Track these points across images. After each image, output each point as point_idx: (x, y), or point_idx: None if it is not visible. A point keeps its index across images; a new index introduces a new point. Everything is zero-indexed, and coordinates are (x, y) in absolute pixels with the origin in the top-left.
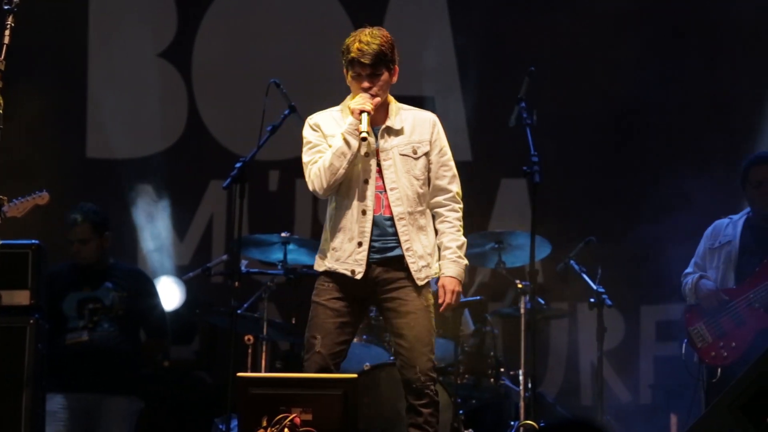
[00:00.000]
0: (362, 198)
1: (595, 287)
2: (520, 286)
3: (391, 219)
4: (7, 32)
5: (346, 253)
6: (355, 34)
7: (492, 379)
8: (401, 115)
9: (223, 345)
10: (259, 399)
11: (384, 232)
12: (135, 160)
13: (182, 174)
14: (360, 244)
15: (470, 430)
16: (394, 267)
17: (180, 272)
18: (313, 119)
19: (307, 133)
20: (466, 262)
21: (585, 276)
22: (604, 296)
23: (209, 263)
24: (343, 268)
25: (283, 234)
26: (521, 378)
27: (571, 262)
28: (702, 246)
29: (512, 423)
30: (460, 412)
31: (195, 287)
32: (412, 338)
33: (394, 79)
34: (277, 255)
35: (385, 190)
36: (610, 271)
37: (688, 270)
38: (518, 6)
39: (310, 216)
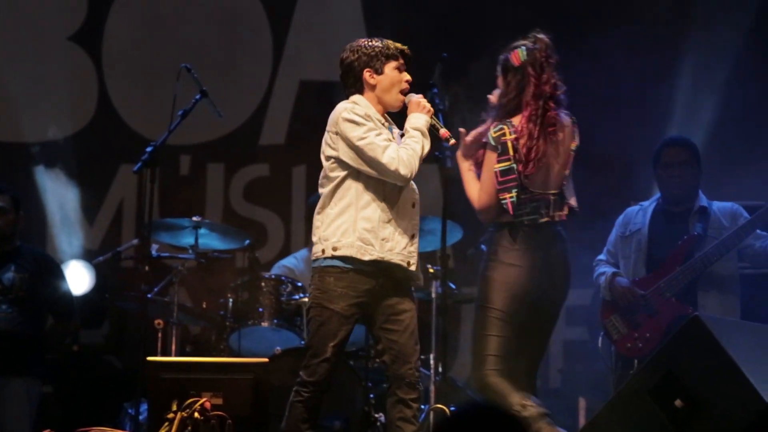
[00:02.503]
0: (411, 192)
1: None
2: (431, 270)
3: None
4: None
5: (400, 245)
6: (380, 39)
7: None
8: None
9: (133, 329)
10: (170, 383)
11: None
12: (44, 143)
13: (92, 158)
14: (413, 236)
15: (381, 414)
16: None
17: (90, 256)
18: (362, 108)
19: (361, 120)
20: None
21: None
22: None
23: (119, 247)
24: (398, 259)
25: (194, 218)
26: (432, 362)
27: (482, 246)
28: (614, 233)
29: (423, 407)
30: (371, 396)
31: (105, 271)
32: (407, 335)
33: None
34: (188, 239)
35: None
36: None
37: (601, 257)
38: None
39: (222, 201)
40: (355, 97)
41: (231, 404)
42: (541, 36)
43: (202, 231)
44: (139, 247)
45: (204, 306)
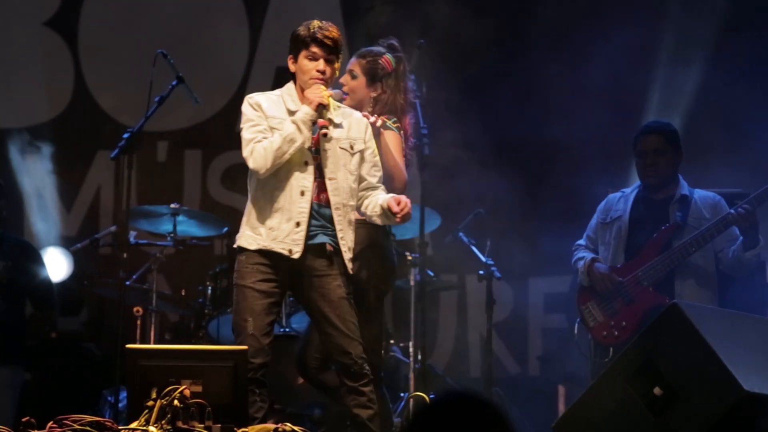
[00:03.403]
0: (302, 180)
1: (484, 259)
2: (409, 258)
3: (328, 207)
4: None
5: (283, 232)
6: (309, 22)
7: (382, 351)
8: (339, 111)
9: (112, 316)
10: (149, 371)
11: (316, 218)
12: (20, 129)
13: (69, 144)
14: (298, 224)
15: None
16: (323, 255)
17: (67, 243)
18: (253, 98)
19: (247, 110)
20: None
21: (474, 248)
22: (493, 268)
23: (97, 234)
24: (279, 247)
25: (172, 205)
26: (411, 350)
27: (460, 234)
28: (595, 219)
29: (402, 395)
30: None
31: (83, 258)
32: (340, 327)
33: (337, 73)
34: (166, 226)
35: (324, 178)
36: (499, 244)
37: (581, 242)
38: None
39: (199, 187)
40: (287, 85)
41: (210, 392)
42: (396, 44)
43: (180, 218)
44: (117, 234)
45: (183, 293)
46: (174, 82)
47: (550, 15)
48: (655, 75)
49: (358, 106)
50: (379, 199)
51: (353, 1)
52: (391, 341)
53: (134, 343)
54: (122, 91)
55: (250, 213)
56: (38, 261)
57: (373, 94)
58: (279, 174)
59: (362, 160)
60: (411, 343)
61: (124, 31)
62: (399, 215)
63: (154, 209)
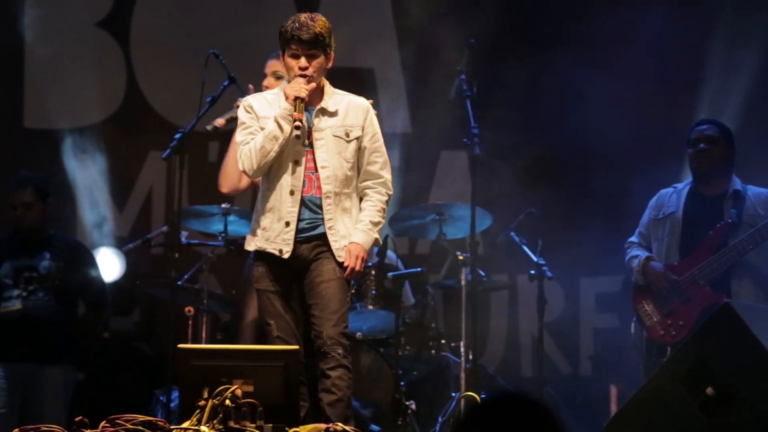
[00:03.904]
0: (291, 179)
1: (535, 259)
2: (460, 257)
3: (320, 198)
4: None
5: (274, 232)
6: (294, 17)
7: (433, 351)
8: (335, 98)
9: (164, 316)
10: (201, 370)
11: (313, 212)
12: (73, 130)
13: (121, 145)
14: (287, 224)
15: (411, 401)
16: (317, 244)
17: (120, 243)
18: (247, 100)
19: (240, 113)
20: (377, 236)
21: (525, 248)
22: (545, 268)
23: (149, 234)
24: (271, 248)
25: (223, 205)
26: (462, 350)
27: (512, 233)
28: (646, 216)
29: (453, 395)
30: (402, 383)
31: (135, 258)
32: (321, 306)
33: (329, 65)
34: (217, 226)
35: (317, 170)
36: (551, 243)
37: (633, 239)
38: None
39: (250, 188)
40: (283, 82)
41: (262, 391)
42: None
43: (231, 218)
44: (168, 234)
45: (234, 293)
46: (226, 83)
47: (593, 18)
48: (704, 75)
49: None
50: (359, 224)
51: (404, 3)
52: (442, 341)
53: (186, 342)
54: (174, 91)
55: (253, 215)
56: (90, 260)
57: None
58: (270, 174)
59: (360, 146)
60: (462, 343)
61: (176, 31)
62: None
63: (205, 209)
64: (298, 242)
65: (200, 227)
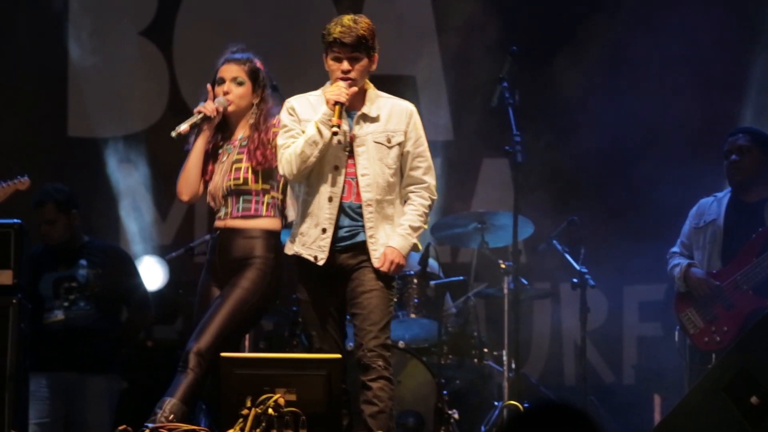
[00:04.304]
0: (331, 184)
1: (578, 267)
2: (503, 266)
3: (360, 206)
4: None
5: (311, 238)
6: (336, 19)
7: (475, 360)
8: (378, 102)
9: None
10: (244, 379)
11: (353, 219)
12: (117, 138)
13: (164, 153)
14: (324, 230)
15: (454, 410)
16: (358, 252)
17: (163, 252)
18: (289, 102)
19: (283, 116)
20: (416, 242)
21: (568, 256)
22: (587, 276)
23: (192, 243)
24: (307, 254)
25: None
26: (505, 358)
27: (554, 242)
28: (687, 225)
29: (496, 403)
30: (444, 392)
31: (178, 267)
32: (362, 317)
33: (373, 67)
34: None
35: (357, 177)
36: (593, 251)
37: (675, 249)
38: None
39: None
40: (327, 83)
41: (305, 400)
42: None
43: None
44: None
45: (277, 302)
46: (269, 91)
47: (631, 23)
48: (747, 80)
49: (240, 114)
50: (399, 228)
51: (446, 13)
52: (485, 349)
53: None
54: None
55: (294, 221)
56: (128, 264)
57: (255, 101)
58: (310, 179)
59: (402, 152)
60: (504, 352)
61: (218, 39)
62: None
63: None
64: (337, 251)
65: None
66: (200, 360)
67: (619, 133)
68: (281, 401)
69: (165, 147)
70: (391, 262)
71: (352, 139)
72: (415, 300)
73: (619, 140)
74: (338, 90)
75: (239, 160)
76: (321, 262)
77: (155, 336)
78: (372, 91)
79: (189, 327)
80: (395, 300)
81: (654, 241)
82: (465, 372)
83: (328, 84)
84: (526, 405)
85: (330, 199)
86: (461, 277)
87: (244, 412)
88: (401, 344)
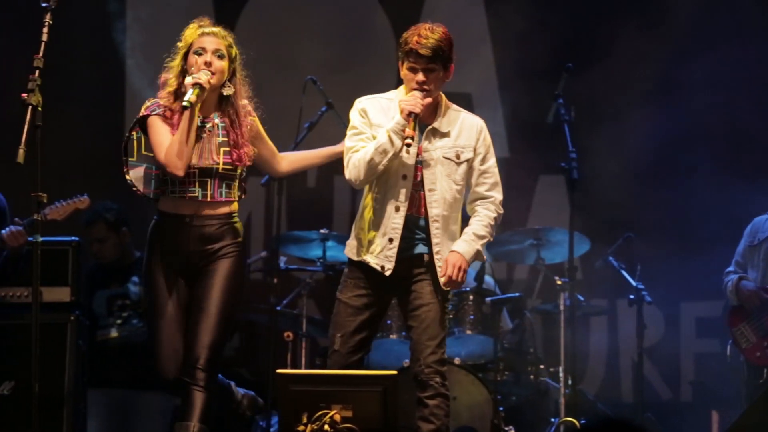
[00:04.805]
0: (398, 194)
1: (634, 284)
2: (559, 282)
3: (426, 219)
4: (44, 30)
5: (378, 247)
6: (415, 28)
7: (532, 376)
8: (450, 116)
9: (263, 342)
10: (300, 396)
11: (411, 231)
12: None
13: None
14: (391, 240)
15: (511, 427)
16: (417, 264)
17: None
18: (361, 103)
19: (354, 116)
20: (480, 249)
21: (624, 272)
22: (644, 293)
23: (248, 260)
24: (374, 263)
25: (321, 231)
26: (561, 375)
27: (610, 258)
28: (742, 244)
29: (553, 420)
30: (500, 408)
31: None
32: (420, 331)
33: (449, 77)
34: (315, 252)
35: (423, 190)
36: (650, 268)
37: (730, 269)
38: (556, 2)
39: (349, 212)
40: (400, 88)
41: (360, 416)
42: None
43: (329, 243)
44: (267, 260)
45: None
46: (323, 108)
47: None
48: None
49: (215, 89)
50: (463, 235)
51: (502, 31)
52: (541, 366)
53: (285, 368)
54: (271, 117)
55: (356, 223)
56: None
57: (228, 77)
58: (377, 186)
59: (471, 168)
60: (561, 368)
61: (274, 57)
62: (444, 281)
63: (303, 235)
64: (400, 261)
65: (299, 253)
66: (210, 375)
67: (675, 149)
68: (337, 418)
69: None
70: (455, 266)
71: (421, 151)
72: (471, 316)
73: (674, 157)
74: (414, 100)
75: (225, 143)
76: (388, 272)
77: None
78: (444, 103)
79: (246, 344)
80: (451, 316)
81: (711, 257)
82: (521, 388)
83: (401, 89)
84: (582, 421)
85: (397, 209)
86: (518, 294)
87: (300, 428)
88: (457, 361)
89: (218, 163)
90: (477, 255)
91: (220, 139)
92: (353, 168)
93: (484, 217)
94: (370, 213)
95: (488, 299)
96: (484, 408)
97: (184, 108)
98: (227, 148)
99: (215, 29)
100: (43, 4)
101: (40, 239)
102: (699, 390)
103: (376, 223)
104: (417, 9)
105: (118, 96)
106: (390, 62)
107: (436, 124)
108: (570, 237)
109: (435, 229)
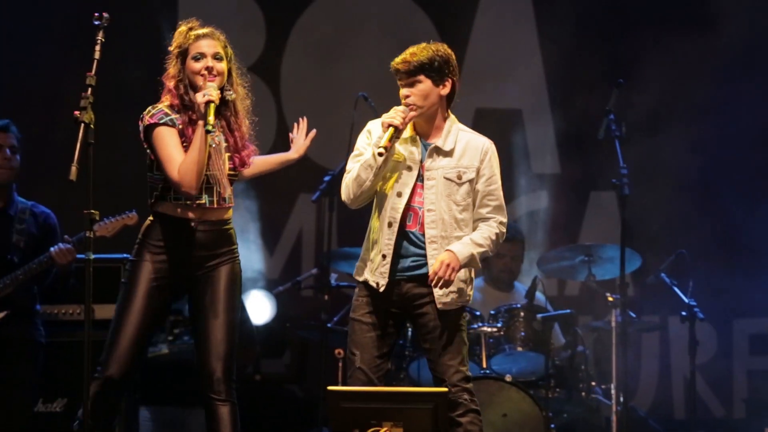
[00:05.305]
0: (391, 210)
1: (686, 300)
2: (610, 299)
3: (425, 238)
4: (97, 48)
5: (375, 264)
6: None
7: (583, 393)
8: (456, 135)
9: (314, 359)
10: (351, 412)
11: (419, 248)
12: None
13: (271, 187)
14: (384, 256)
15: None
16: (423, 284)
17: (270, 286)
18: (369, 125)
19: (359, 138)
20: (475, 253)
21: (676, 289)
22: (696, 309)
23: (299, 277)
24: (372, 280)
25: None
26: (613, 392)
27: (662, 274)
28: None
29: None
30: (552, 426)
31: (285, 301)
32: (438, 352)
33: (444, 92)
34: None
35: (423, 208)
36: (702, 284)
37: None
38: (606, 17)
39: None
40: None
41: None
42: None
43: None
44: (318, 277)
45: None
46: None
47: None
48: None
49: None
50: (462, 239)
51: (552, 46)
52: (593, 383)
53: (336, 385)
54: (323, 133)
55: (363, 244)
56: None
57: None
58: (376, 206)
59: (473, 189)
60: (613, 385)
61: (325, 74)
62: (430, 277)
63: (354, 251)
64: (402, 280)
65: (350, 269)
66: (230, 386)
67: (727, 165)
68: None
69: (272, 181)
70: (446, 264)
71: (423, 170)
72: (522, 333)
73: (727, 172)
74: (394, 113)
75: (227, 148)
76: (381, 289)
77: (263, 370)
78: (451, 122)
79: (297, 361)
80: (502, 333)
81: (764, 274)
82: (573, 405)
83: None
84: None
85: (390, 225)
86: (569, 310)
87: None
88: (508, 378)
89: (229, 169)
90: (471, 259)
91: (224, 143)
92: (345, 187)
93: (485, 230)
94: (371, 232)
95: (539, 315)
96: (535, 425)
97: (208, 132)
98: (229, 153)
99: (207, 30)
100: (96, 22)
101: (92, 256)
102: (752, 407)
103: (375, 241)
104: (467, 28)
105: None
106: None
107: (439, 143)
108: (621, 253)
109: (432, 250)
